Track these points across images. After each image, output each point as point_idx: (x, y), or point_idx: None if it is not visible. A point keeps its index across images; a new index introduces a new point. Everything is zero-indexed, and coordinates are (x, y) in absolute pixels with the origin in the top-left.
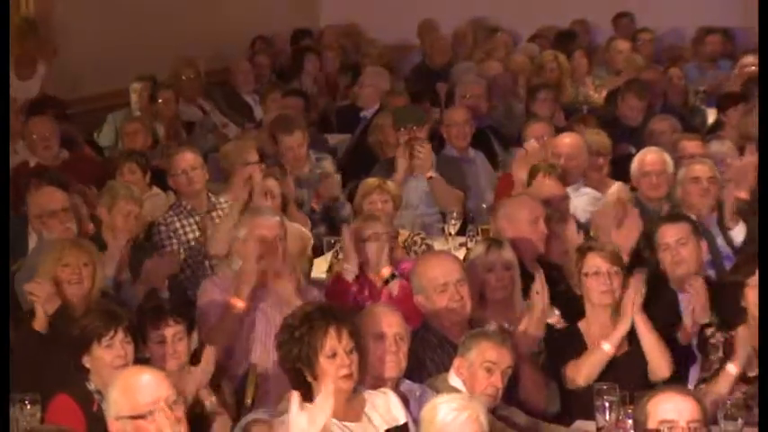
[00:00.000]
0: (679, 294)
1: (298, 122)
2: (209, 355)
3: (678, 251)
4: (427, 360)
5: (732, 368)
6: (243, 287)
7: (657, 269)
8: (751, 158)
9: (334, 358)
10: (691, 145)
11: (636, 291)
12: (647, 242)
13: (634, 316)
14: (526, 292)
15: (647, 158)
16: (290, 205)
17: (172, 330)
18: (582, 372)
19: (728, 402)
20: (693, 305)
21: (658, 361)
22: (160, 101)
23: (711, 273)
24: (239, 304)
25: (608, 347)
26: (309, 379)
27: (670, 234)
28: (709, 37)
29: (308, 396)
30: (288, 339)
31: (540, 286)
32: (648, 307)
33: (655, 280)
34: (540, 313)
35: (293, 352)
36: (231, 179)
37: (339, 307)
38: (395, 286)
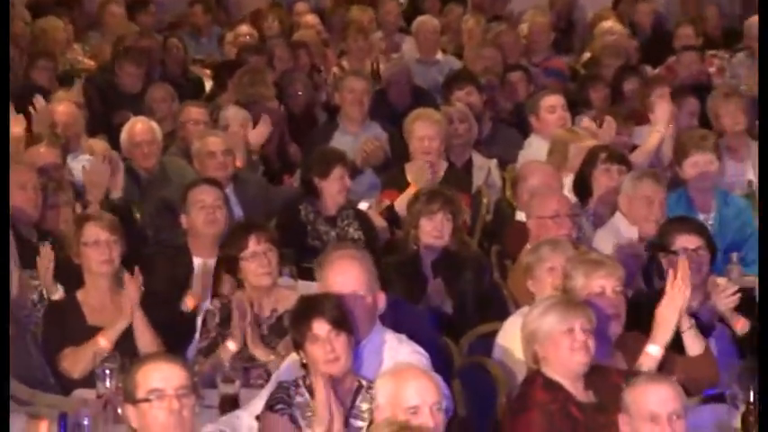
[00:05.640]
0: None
1: None
2: None
3: (214, 212)
4: None
5: (231, 345)
6: None
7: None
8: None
9: None
10: (194, 111)
11: (135, 288)
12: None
13: (133, 313)
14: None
15: (137, 129)
16: None
17: None
18: (78, 367)
19: (226, 365)
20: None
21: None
22: None
23: None
24: None
25: (104, 343)
26: None
27: (207, 194)
28: (193, 7)
29: None
30: None
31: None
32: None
33: (177, 251)
34: None
35: None
36: None
37: None
38: None
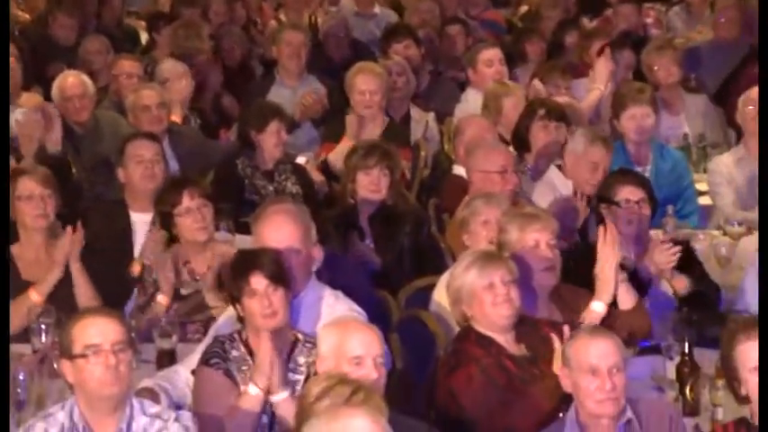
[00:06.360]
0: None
1: None
2: None
3: (152, 167)
4: None
5: (162, 298)
6: None
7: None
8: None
9: None
10: (128, 65)
11: (72, 243)
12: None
13: (72, 265)
14: None
15: (68, 82)
16: None
17: None
18: (12, 322)
19: (163, 320)
20: None
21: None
22: None
23: None
24: None
25: (36, 297)
26: None
27: (146, 148)
28: None
29: None
30: None
31: None
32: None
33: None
34: None
35: None
36: None
37: None
38: None
